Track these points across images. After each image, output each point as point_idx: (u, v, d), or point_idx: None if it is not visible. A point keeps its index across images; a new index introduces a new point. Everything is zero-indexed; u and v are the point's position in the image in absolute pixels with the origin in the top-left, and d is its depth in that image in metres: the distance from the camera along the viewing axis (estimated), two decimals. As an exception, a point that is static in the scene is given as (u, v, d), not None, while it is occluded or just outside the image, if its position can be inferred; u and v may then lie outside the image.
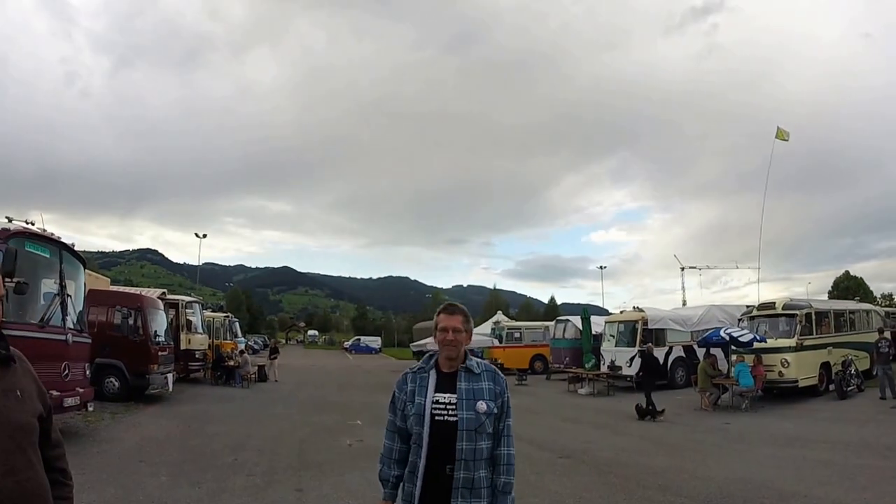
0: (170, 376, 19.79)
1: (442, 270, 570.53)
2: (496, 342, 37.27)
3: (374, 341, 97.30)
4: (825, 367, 21.39)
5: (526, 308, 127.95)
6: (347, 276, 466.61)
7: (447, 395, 3.54)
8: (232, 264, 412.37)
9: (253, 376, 28.52)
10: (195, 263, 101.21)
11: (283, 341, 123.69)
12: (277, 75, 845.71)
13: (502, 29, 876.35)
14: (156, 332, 19.52)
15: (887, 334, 21.77)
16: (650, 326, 26.51)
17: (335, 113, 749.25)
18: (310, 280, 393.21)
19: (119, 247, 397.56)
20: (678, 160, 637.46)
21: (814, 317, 21.43)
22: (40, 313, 11.28)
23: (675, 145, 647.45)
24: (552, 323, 38.39)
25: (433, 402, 3.54)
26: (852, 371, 20.98)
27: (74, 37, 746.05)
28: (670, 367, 26.43)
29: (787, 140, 37.86)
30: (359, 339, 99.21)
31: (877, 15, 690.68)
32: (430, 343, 32.51)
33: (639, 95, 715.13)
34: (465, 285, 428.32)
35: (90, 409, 13.15)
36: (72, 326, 12.12)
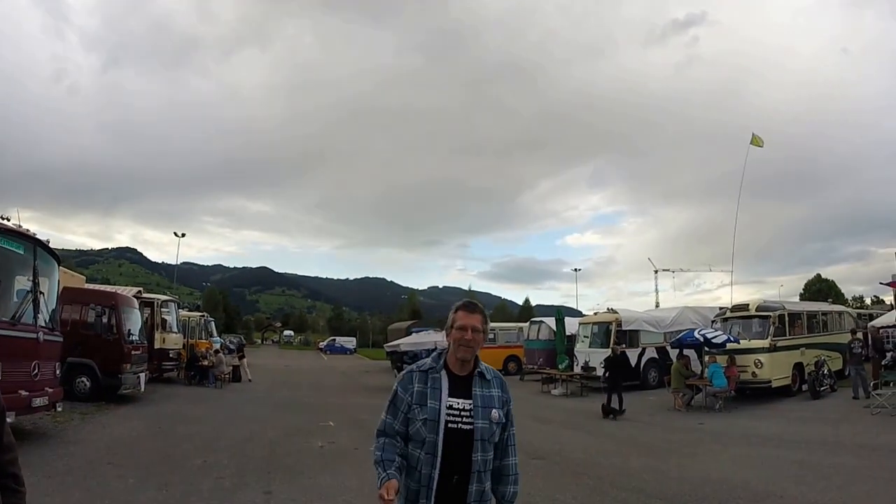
0: (142, 376, 19.54)
1: (418, 272, 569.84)
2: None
3: (349, 342, 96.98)
4: (798, 367, 21.62)
5: (501, 309, 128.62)
6: (324, 276, 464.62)
7: (461, 401, 3.33)
8: (210, 264, 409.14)
9: (227, 376, 28.30)
10: (174, 263, 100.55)
11: (259, 341, 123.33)
12: (263, 77, 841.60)
13: (487, 36, 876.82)
14: (129, 330, 19.26)
15: (860, 335, 22.01)
16: (624, 328, 26.62)
17: (319, 115, 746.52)
18: (287, 280, 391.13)
19: (98, 245, 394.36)
20: (655, 166, 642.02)
21: (787, 318, 21.67)
22: (12, 310, 11.09)
23: (653, 151, 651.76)
24: (526, 324, 38.45)
25: (447, 408, 3.31)
26: (825, 371, 21.20)
27: (66, 34, 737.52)
28: (643, 368, 26.57)
29: (761, 146, 38.17)
30: (334, 340, 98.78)
31: (855, 32, 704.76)
32: (403, 344, 32.43)
33: (618, 103, 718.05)
34: (440, 286, 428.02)
35: (59, 409, 12.98)
36: (44, 324, 11.93)
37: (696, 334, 20.87)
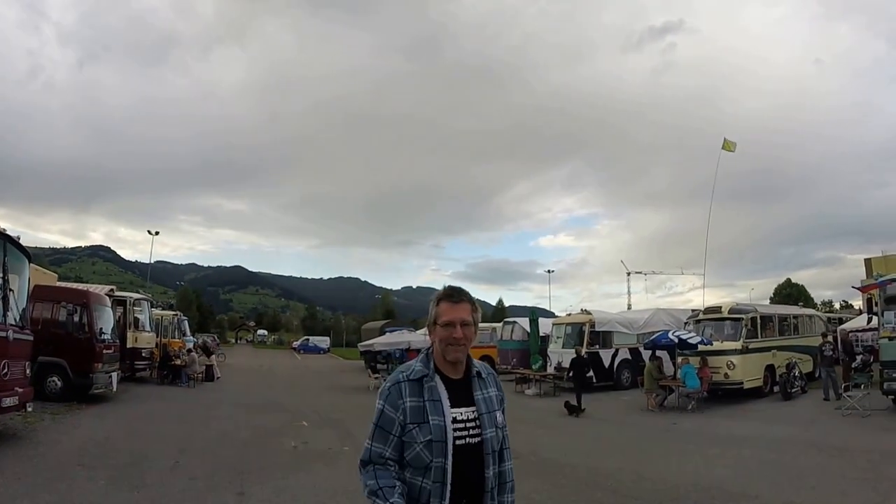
0: (114, 375, 19.37)
1: (392, 271, 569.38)
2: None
3: (323, 341, 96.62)
4: (770, 369, 21.95)
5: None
6: (298, 276, 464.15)
7: (465, 411, 2.81)
8: (184, 263, 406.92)
9: (199, 376, 28.09)
10: (148, 261, 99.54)
11: (233, 341, 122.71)
12: (241, 75, 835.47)
13: (465, 38, 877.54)
14: (101, 329, 19.00)
15: (830, 338, 22.35)
16: (597, 329, 26.75)
17: (296, 114, 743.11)
18: (261, 280, 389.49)
19: (71, 243, 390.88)
20: (630, 170, 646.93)
21: (759, 321, 21.95)
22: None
23: (628, 155, 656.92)
24: (500, 324, 38.55)
25: (452, 422, 2.76)
26: (796, 373, 21.49)
27: (43, 29, 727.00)
28: (616, 369, 26.73)
29: (733, 151, 38.73)
30: (308, 340, 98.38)
31: (828, 43, 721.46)
32: (377, 343, 32.36)
33: (594, 107, 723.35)
34: (414, 287, 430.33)
35: (29, 409, 12.82)
36: (13, 323, 11.79)
37: (670, 336, 21.01)
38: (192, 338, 41.58)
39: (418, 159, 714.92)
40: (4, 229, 12.17)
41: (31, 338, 12.86)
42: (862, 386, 18.06)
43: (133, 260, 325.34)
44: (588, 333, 26.31)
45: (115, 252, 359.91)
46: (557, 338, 28.56)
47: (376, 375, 29.02)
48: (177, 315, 39.05)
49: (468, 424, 2.78)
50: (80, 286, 25.64)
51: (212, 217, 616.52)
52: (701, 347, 20.49)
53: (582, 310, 30.03)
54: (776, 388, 21.50)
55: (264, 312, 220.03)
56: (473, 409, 2.83)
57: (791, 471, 10.65)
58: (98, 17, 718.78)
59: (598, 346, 26.11)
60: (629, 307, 67.17)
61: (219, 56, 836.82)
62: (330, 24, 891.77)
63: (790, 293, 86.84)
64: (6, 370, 11.22)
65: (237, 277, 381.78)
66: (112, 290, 25.53)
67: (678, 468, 11.18)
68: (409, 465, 2.73)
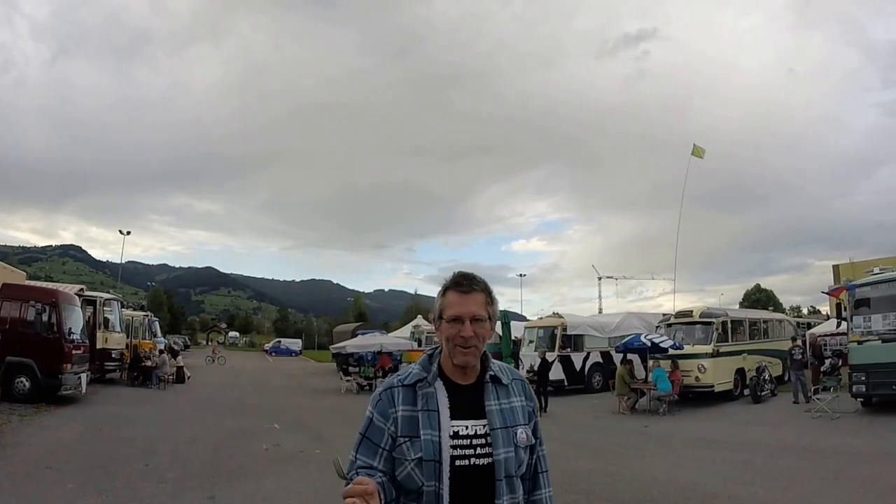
0: (83, 376, 19.09)
1: (364, 274, 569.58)
2: (415, 346, 37.27)
3: (295, 343, 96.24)
4: (740, 372, 22.27)
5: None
6: (270, 277, 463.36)
7: (471, 424, 2.23)
8: (155, 263, 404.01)
9: (170, 377, 27.84)
10: (119, 261, 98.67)
11: (204, 342, 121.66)
12: (215, 74, 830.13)
13: (441, 41, 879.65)
14: (71, 329, 18.78)
15: (800, 342, 22.62)
16: (569, 332, 26.93)
17: (270, 114, 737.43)
18: (233, 281, 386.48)
19: (42, 242, 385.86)
20: (602, 175, 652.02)
21: (729, 325, 22.26)
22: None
23: (600, 161, 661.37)
24: (471, 327, 38.55)
25: (451, 437, 2.20)
26: (766, 377, 21.82)
27: (16, 23, 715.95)
28: (588, 372, 26.91)
29: (702, 157, 39.20)
30: (279, 342, 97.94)
31: (801, 53, 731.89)
32: (349, 346, 32.22)
33: (568, 113, 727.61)
34: (386, 290, 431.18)
35: (-5, 410, 12.66)
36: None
37: (642, 339, 21.15)
38: (162, 339, 41.24)
39: (392, 162, 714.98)
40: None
41: (-2, 338, 12.70)
42: (831, 389, 18.33)
43: (104, 260, 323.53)
44: (560, 337, 26.46)
45: (87, 252, 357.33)
46: (530, 341, 28.68)
47: (348, 378, 29.05)
48: (147, 316, 38.69)
49: (475, 441, 2.21)
50: (50, 285, 25.32)
51: (184, 217, 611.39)
52: (672, 351, 20.66)
53: (554, 313, 30.13)
54: (746, 391, 21.77)
55: (236, 314, 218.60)
56: (484, 422, 2.24)
57: (763, 471, 10.77)
58: (71, 12, 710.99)
59: (569, 350, 26.23)
60: (600, 311, 67.57)
61: (193, 53, 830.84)
62: (305, 26, 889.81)
63: (759, 298, 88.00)
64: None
65: (209, 279, 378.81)
66: (82, 289, 25.25)
67: (651, 470, 11.25)
68: (402, 486, 2.19)
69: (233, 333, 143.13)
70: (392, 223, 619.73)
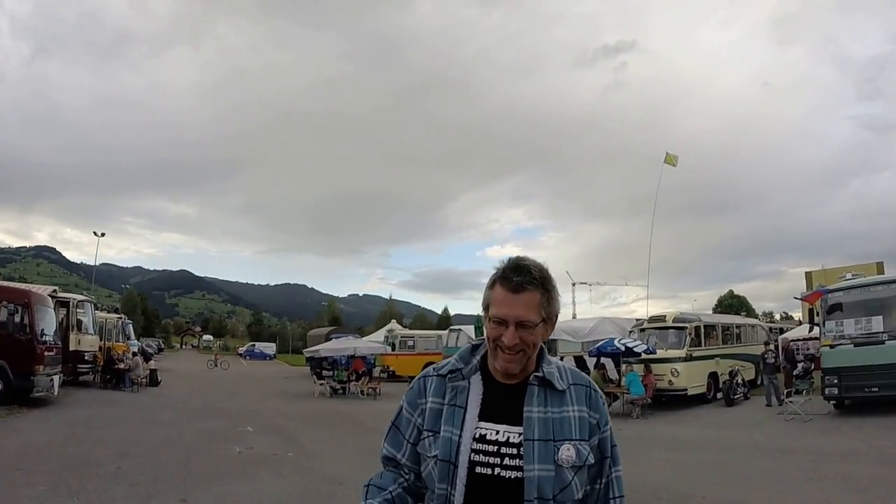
0: (56, 378, 18.88)
1: (339, 279, 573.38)
2: (389, 350, 37.30)
3: (269, 347, 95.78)
4: (713, 376, 22.56)
5: (420, 318, 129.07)
6: (245, 281, 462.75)
7: (502, 429, 1.91)
8: (130, 266, 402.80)
9: (144, 380, 27.61)
10: (93, 263, 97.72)
11: (178, 346, 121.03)
12: (194, 76, 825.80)
13: (420, 49, 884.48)
14: (43, 330, 18.60)
15: (773, 347, 22.95)
16: (542, 336, 26.93)
17: (247, 118, 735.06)
18: (207, 285, 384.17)
19: (16, 243, 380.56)
20: (577, 183, 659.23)
21: (702, 330, 22.57)
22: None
23: (575, 169, 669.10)
24: (446, 332, 38.81)
25: (475, 440, 1.90)
26: (738, 380, 22.12)
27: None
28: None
29: (674, 165, 39.52)
30: (253, 345, 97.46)
31: (777, 67, 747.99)
32: (323, 349, 32.10)
33: (545, 122, 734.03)
34: (360, 294, 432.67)
35: (-35, 412, 12.54)
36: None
37: (616, 343, 21.29)
38: (136, 342, 40.93)
39: (367, 168, 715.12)
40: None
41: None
42: (804, 392, 18.65)
43: (78, 262, 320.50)
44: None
45: (61, 253, 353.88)
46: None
47: (321, 382, 29.01)
48: (121, 318, 38.30)
49: (504, 450, 1.88)
50: (23, 286, 25.08)
51: (159, 220, 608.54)
52: (645, 355, 20.87)
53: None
54: (719, 395, 22.13)
55: (210, 317, 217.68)
56: (520, 429, 1.90)
57: (737, 473, 10.94)
58: (52, 9, 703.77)
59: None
60: (574, 316, 67.97)
61: (173, 55, 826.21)
62: (284, 30, 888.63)
63: (732, 304, 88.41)
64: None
65: (183, 282, 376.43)
66: (55, 290, 25.03)
67: (624, 472, 11.30)
68: (426, 484, 1.99)
69: (207, 337, 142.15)
70: (367, 229, 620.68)
